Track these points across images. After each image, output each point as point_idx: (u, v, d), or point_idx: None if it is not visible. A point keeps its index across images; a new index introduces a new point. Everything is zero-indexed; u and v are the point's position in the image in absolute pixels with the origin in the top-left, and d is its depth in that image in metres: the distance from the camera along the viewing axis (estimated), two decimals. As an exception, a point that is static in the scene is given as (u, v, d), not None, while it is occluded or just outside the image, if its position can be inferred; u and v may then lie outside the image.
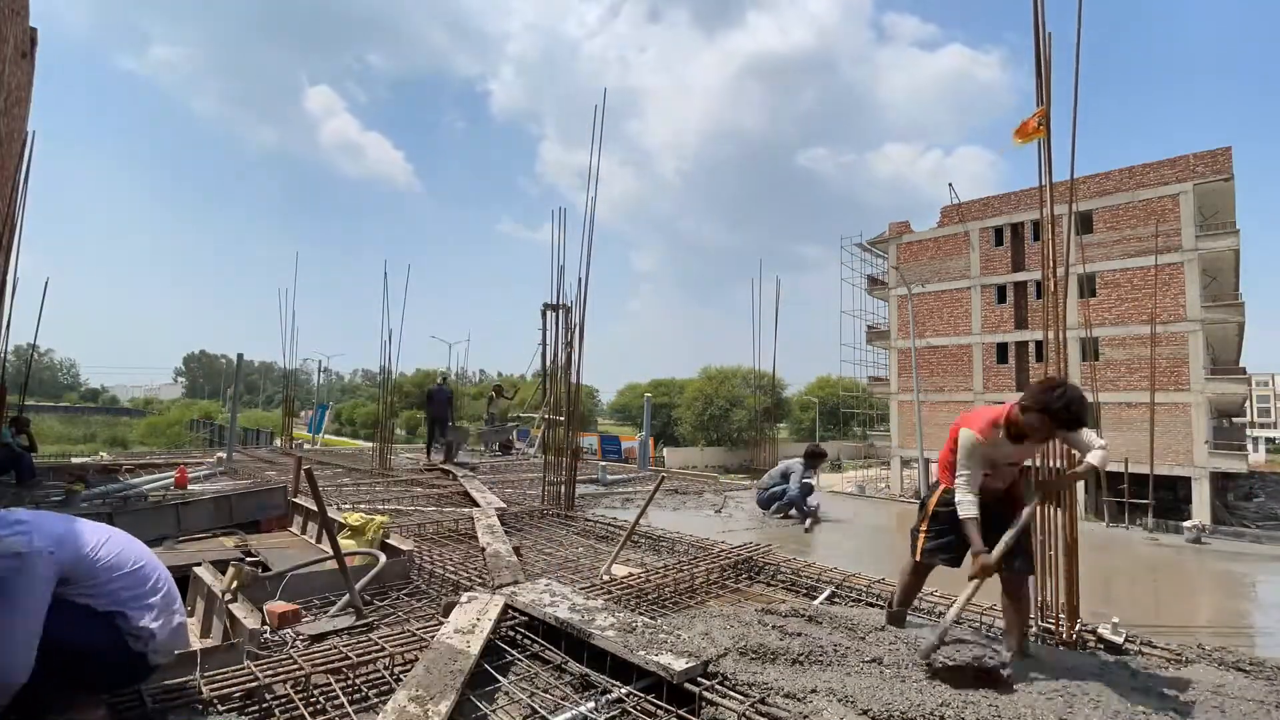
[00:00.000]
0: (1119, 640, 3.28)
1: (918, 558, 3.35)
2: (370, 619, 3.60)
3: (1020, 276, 27.85)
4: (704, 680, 2.59)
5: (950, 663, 2.74)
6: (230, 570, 3.60)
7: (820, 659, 2.95)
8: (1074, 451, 3.11)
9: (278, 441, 20.51)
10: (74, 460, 14.52)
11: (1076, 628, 3.35)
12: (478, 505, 7.24)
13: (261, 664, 2.76)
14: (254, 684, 2.60)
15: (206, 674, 2.63)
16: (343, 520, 4.92)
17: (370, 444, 19.41)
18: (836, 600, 4.14)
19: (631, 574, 4.42)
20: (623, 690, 2.63)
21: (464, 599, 3.44)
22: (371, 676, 2.84)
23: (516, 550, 5.06)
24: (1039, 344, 24.99)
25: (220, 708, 2.48)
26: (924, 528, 3.33)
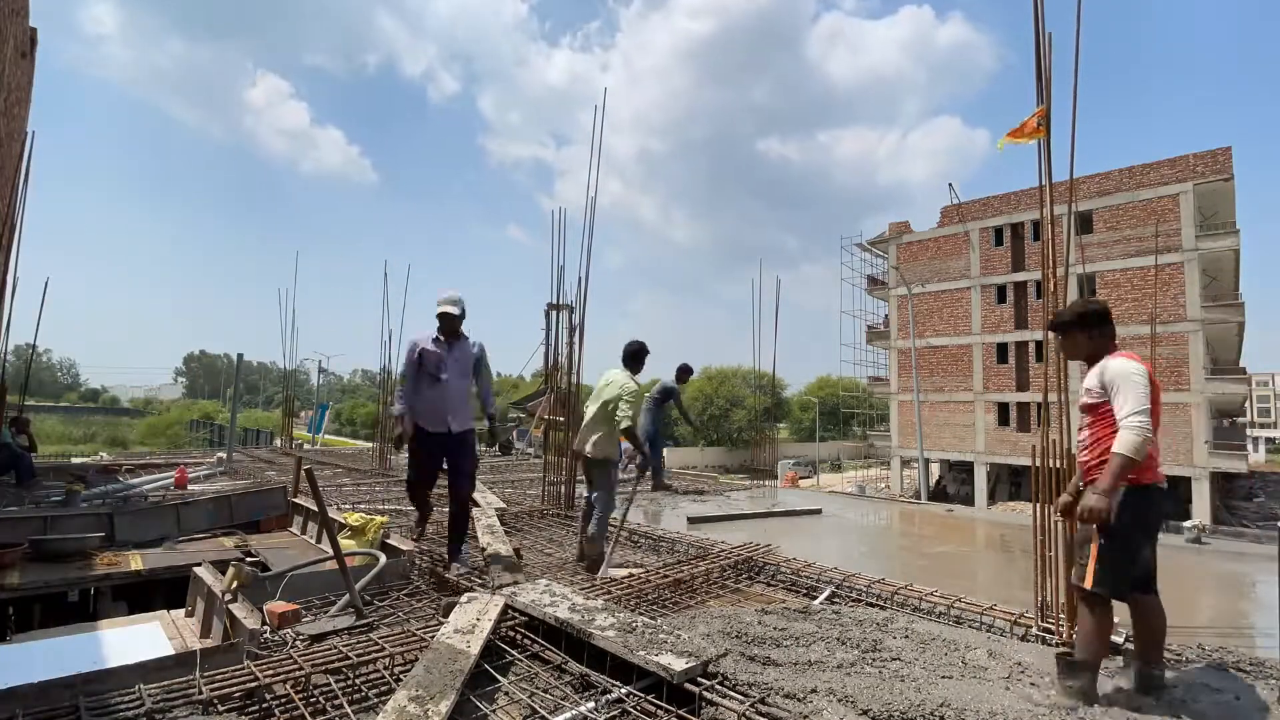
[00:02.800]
0: (1119, 640, 3.28)
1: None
2: (370, 619, 3.60)
3: (1020, 276, 27.85)
4: (704, 680, 2.59)
5: None
6: (230, 570, 3.60)
7: (820, 659, 2.95)
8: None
9: (278, 441, 20.49)
10: (74, 460, 14.53)
11: (1076, 628, 3.34)
12: (478, 505, 7.24)
13: (261, 664, 2.76)
14: (254, 684, 2.60)
15: (206, 674, 2.63)
16: (343, 520, 4.92)
17: (370, 444, 19.41)
18: (837, 600, 4.14)
19: (631, 574, 4.42)
20: (623, 690, 2.63)
21: (464, 599, 3.44)
22: (371, 676, 2.84)
23: (516, 550, 5.06)
24: (1039, 344, 24.99)
25: (220, 708, 2.48)
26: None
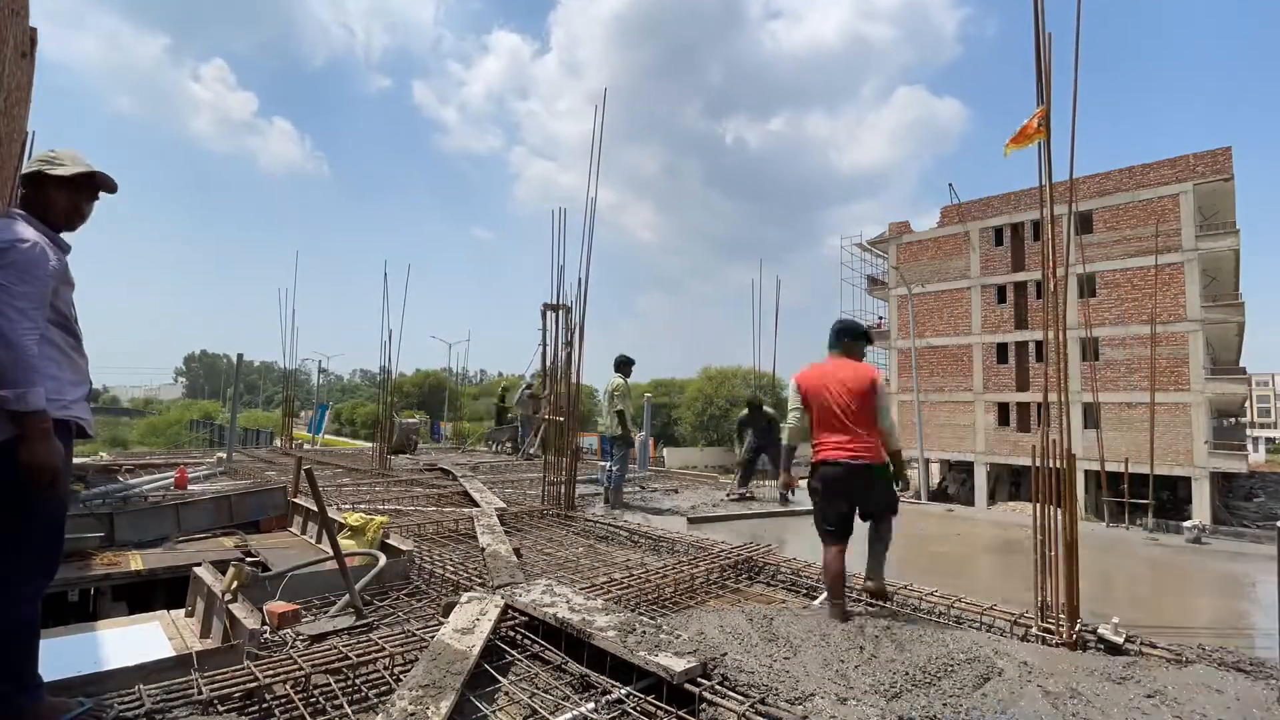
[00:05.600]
0: (1119, 640, 3.28)
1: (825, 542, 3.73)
2: (370, 619, 3.60)
3: (1020, 276, 27.85)
4: (704, 681, 2.59)
5: None
6: (230, 570, 3.60)
7: (820, 660, 2.95)
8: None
9: (278, 441, 20.50)
10: (74, 460, 14.49)
11: (1077, 628, 3.34)
12: (478, 505, 7.24)
13: (261, 664, 2.76)
14: (254, 684, 2.60)
15: (206, 674, 2.63)
16: (343, 520, 4.92)
17: (370, 444, 19.41)
18: (836, 600, 4.14)
19: (631, 574, 4.42)
20: (623, 691, 2.63)
21: (464, 599, 3.44)
22: (371, 676, 2.84)
23: (516, 550, 5.06)
24: (1039, 344, 25.00)
25: (220, 708, 2.48)
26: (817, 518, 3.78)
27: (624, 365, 8.28)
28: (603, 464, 12.44)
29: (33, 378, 1.99)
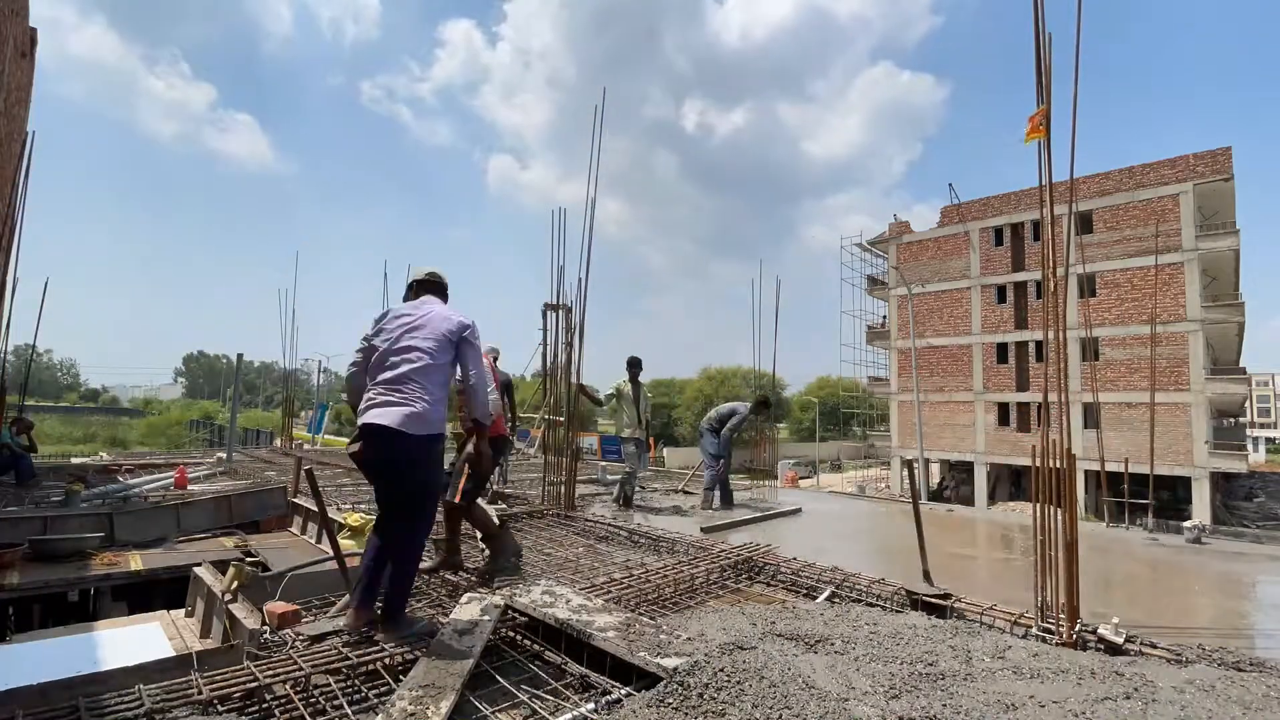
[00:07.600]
0: (1119, 640, 3.28)
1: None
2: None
3: (1020, 276, 27.85)
4: (704, 680, 2.58)
5: None
6: (230, 570, 3.60)
7: (820, 660, 2.95)
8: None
9: (277, 442, 20.48)
10: (74, 460, 14.52)
11: (1077, 628, 3.34)
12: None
13: (261, 664, 2.76)
14: (254, 684, 2.60)
15: (206, 674, 2.63)
16: (343, 520, 4.92)
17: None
18: (836, 600, 4.14)
19: (631, 574, 4.42)
20: (623, 691, 2.63)
21: (464, 599, 3.45)
22: (372, 676, 2.84)
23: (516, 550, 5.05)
24: (1039, 344, 25.01)
25: (220, 708, 2.48)
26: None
27: (629, 367, 8.41)
28: (602, 463, 12.45)
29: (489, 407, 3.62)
